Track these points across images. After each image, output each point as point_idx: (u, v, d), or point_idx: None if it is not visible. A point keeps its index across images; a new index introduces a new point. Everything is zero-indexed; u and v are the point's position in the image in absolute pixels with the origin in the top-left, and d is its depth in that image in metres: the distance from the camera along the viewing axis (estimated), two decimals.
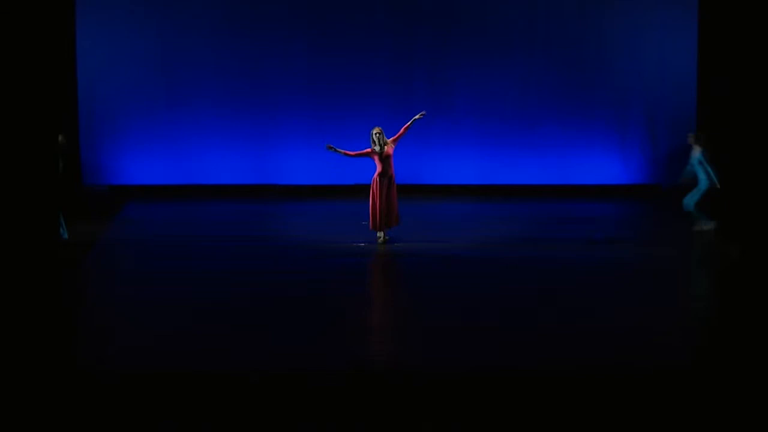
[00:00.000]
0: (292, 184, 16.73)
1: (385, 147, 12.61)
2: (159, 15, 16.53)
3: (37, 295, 10.50)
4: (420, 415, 7.44)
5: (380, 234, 12.94)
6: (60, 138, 13.36)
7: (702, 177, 13.53)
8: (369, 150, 12.65)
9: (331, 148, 12.81)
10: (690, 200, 13.65)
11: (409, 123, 12.70)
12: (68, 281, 11.37)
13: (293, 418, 7.39)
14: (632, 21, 16.66)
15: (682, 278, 11.55)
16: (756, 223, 13.53)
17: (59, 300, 10.49)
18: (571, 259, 12.33)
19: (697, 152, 13.56)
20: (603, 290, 10.95)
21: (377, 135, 12.61)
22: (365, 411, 7.51)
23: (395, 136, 12.69)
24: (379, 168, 12.69)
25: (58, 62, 16.15)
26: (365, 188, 13.23)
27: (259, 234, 13.59)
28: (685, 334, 9.34)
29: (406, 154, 15.28)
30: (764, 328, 9.24)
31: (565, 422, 7.32)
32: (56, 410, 7.46)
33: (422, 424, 7.31)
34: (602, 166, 16.79)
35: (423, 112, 12.83)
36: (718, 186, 13.43)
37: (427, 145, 16.58)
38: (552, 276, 11.55)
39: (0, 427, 7.28)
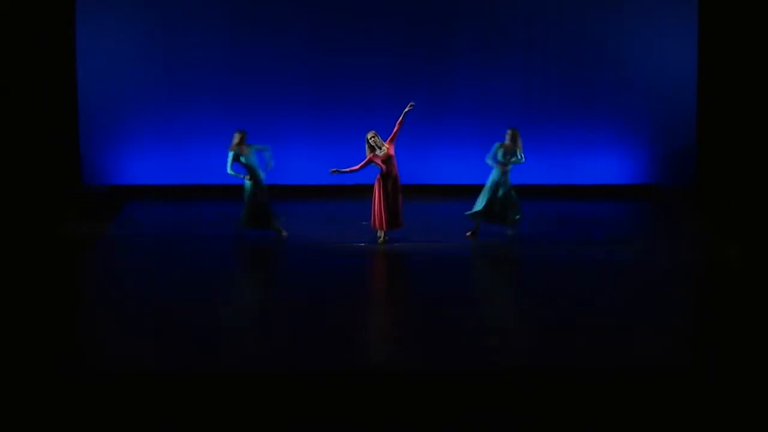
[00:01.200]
0: (292, 184, 16.72)
1: (384, 148, 12.62)
2: (159, 15, 16.50)
3: (37, 294, 10.50)
4: (419, 414, 7.44)
5: (380, 234, 12.94)
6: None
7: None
8: (370, 156, 12.65)
9: (336, 171, 12.85)
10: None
11: (400, 118, 12.70)
12: (68, 281, 11.37)
13: (292, 418, 7.39)
14: (633, 21, 16.62)
15: (682, 278, 11.54)
16: (756, 223, 13.52)
17: (58, 300, 10.49)
18: (572, 259, 12.34)
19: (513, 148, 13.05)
20: (603, 290, 10.95)
21: (373, 139, 12.63)
22: (365, 411, 7.51)
23: (391, 135, 12.70)
24: (382, 169, 12.70)
25: (57, 62, 16.16)
26: (366, 188, 13.24)
27: (258, 234, 13.58)
28: (685, 334, 9.34)
29: (407, 154, 15.27)
30: (764, 329, 9.24)
31: (565, 422, 7.32)
32: (55, 411, 7.46)
33: (422, 423, 7.32)
34: (603, 166, 16.77)
35: (412, 104, 12.85)
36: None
37: (428, 144, 16.57)
38: (552, 276, 11.55)
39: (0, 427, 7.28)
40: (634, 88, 16.70)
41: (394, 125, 12.70)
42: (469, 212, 13.22)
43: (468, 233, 13.27)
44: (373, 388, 7.83)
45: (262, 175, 13.09)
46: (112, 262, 12.45)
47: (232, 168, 12.96)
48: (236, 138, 13.04)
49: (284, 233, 13.23)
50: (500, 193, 13.10)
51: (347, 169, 12.82)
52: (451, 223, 13.68)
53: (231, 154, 12.94)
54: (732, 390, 7.74)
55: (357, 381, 7.96)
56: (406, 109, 12.72)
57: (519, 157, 13.10)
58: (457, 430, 7.24)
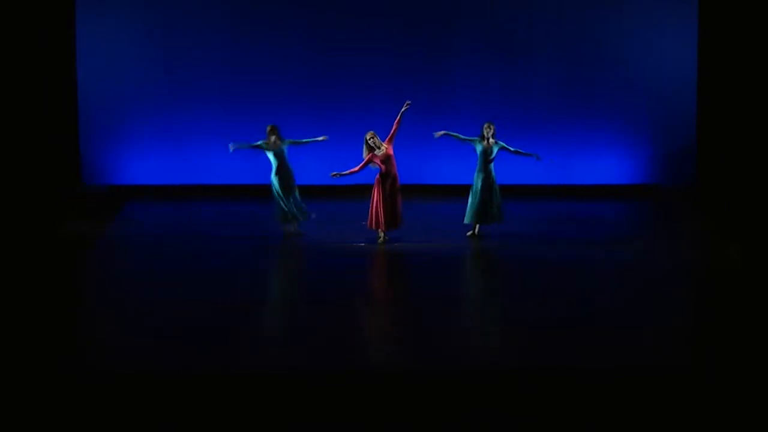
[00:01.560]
0: None
1: (383, 148, 12.66)
2: (159, 15, 16.52)
3: (37, 294, 10.50)
4: (419, 414, 7.44)
5: (380, 234, 12.95)
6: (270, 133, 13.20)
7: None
8: (369, 156, 12.67)
9: (336, 174, 12.88)
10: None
11: (398, 117, 12.73)
12: (68, 281, 11.36)
13: (292, 418, 7.39)
14: (633, 21, 16.64)
15: (682, 278, 11.54)
16: (756, 223, 13.52)
17: (58, 300, 10.48)
18: (571, 259, 12.33)
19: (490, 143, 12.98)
20: (603, 290, 10.95)
21: (372, 139, 12.66)
22: (365, 411, 7.51)
23: (389, 135, 12.74)
24: (381, 169, 12.73)
25: (57, 62, 16.17)
26: (365, 188, 13.24)
27: (258, 234, 13.59)
28: (685, 334, 9.34)
29: (407, 154, 15.27)
30: (764, 329, 9.24)
31: (565, 422, 7.32)
32: (55, 411, 7.46)
33: (422, 424, 7.31)
34: (603, 166, 16.78)
35: (408, 102, 12.88)
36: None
37: (428, 144, 16.56)
38: (552, 276, 11.55)
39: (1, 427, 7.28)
40: (634, 88, 16.70)
41: (392, 125, 12.72)
42: (466, 220, 13.21)
43: (468, 233, 13.27)
44: (373, 388, 7.83)
45: (292, 173, 13.24)
46: (112, 262, 12.45)
47: (252, 144, 13.15)
48: (267, 131, 13.15)
49: (297, 231, 13.30)
50: (491, 192, 13.05)
51: (347, 171, 12.83)
52: (451, 223, 13.68)
53: (262, 144, 13.04)
54: (732, 390, 7.73)
55: (357, 381, 7.95)
56: (403, 109, 12.75)
57: (508, 147, 13.01)
58: (457, 430, 7.24)
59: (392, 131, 12.71)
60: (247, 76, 16.64)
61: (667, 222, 14.65)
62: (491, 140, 12.99)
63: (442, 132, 13.15)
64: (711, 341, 9.06)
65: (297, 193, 13.29)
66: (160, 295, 10.69)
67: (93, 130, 16.50)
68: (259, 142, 13.18)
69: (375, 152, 12.66)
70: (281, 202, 13.17)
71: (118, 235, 13.81)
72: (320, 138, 13.37)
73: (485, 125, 13.05)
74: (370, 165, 12.75)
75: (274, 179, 13.17)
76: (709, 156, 16.38)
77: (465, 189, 15.97)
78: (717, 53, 16.29)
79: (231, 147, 13.28)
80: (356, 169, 12.78)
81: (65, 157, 16.22)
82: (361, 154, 12.74)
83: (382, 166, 12.70)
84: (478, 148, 13.04)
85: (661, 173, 16.82)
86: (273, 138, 13.12)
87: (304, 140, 13.42)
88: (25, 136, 15.74)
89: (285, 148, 13.17)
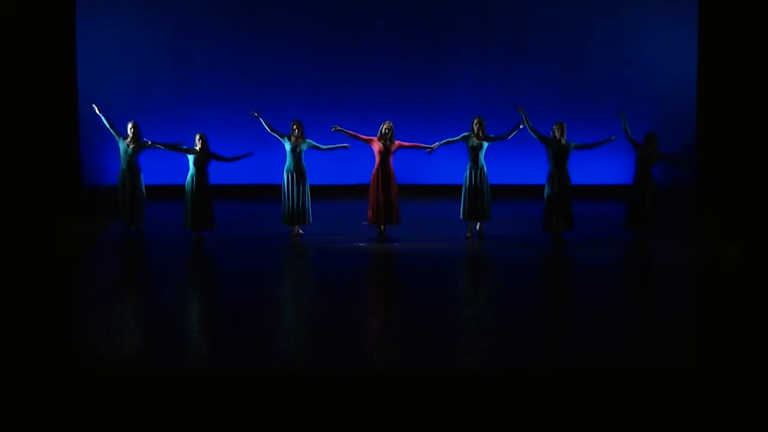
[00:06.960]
0: None
1: (389, 143, 12.76)
2: (160, 15, 16.53)
3: (38, 294, 10.50)
4: (420, 414, 7.44)
5: (379, 231, 13.00)
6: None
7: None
8: (374, 138, 12.77)
9: (337, 128, 12.98)
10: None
11: (421, 145, 13.03)
12: (68, 281, 11.36)
13: (293, 417, 7.39)
14: (633, 21, 16.65)
15: (682, 277, 11.54)
16: (756, 223, 13.52)
17: (59, 300, 10.48)
18: (571, 259, 12.33)
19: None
20: (603, 290, 10.95)
21: (387, 130, 12.73)
22: (365, 411, 7.51)
23: (403, 143, 12.93)
24: (377, 162, 12.79)
25: (58, 62, 16.16)
26: (365, 188, 13.25)
27: (258, 234, 13.59)
28: (685, 334, 9.34)
29: (407, 154, 15.25)
30: (764, 328, 9.24)
31: (566, 422, 7.32)
32: (56, 410, 7.46)
33: (422, 424, 7.32)
34: (603, 166, 16.77)
35: (440, 144, 12.99)
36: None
37: (427, 144, 16.57)
38: (551, 276, 11.55)
39: (1, 427, 7.28)
40: (634, 88, 16.70)
41: (413, 142, 13.08)
42: (462, 218, 13.23)
43: (468, 233, 13.28)
44: (373, 388, 7.83)
45: (305, 173, 13.17)
46: (112, 263, 12.45)
47: (273, 128, 13.20)
48: (291, 127, 13.14)
49: (300, 232, 13.27)
50: (481, 189, 13.04)
51: (349, 132, 12.93)
52: (451, 223, 13.68)
53: (284, 135, 13.07)
54: (732, 389, 7.74)
55: (357, 381, 7.96)
56: (428, 146, 12.95)
57: (496, 136, 13.02)
58: (458, 430, 7.25)
59: (407, 144, 13.03)
60: (248, 76, 16.65)
61: (667, 222, 14.64)
62: (480, 135, 12.97)
63: (435, 145, 13.09)
64: (711, 340, 9.07)
65: (307, 196, 13.19)
66: (160, 295, 10.70)
67: (93, 130, 16.49)
68: (281, 133, 13.11)
69: (380, 141, 12.77)
70: (285, 201, 13.13)
71: (118, 235, 13.81)
72: (342, 146, 13.21)
73: (475, 120, 13.03)
74: (371, 147, 12.80)
75: (284, 176, 13.14)
76: (709, 156, 16.37)
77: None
78: (717, 53, 16.29)
79: (254, 113, 13.27)
80: (358, 135, 12.92)
81: (65, 157, 16.21)
82: (367, 148, 12.95)
83: (378, 157, 12.79)
84: (469, 143, 13.04)
85: (661, 173, 16.78)
86: (296, 134, 13.06)
87: (325, 146, 13.22)
88: (24, 136, 15.73)
89: (304, 148, 13.11)
